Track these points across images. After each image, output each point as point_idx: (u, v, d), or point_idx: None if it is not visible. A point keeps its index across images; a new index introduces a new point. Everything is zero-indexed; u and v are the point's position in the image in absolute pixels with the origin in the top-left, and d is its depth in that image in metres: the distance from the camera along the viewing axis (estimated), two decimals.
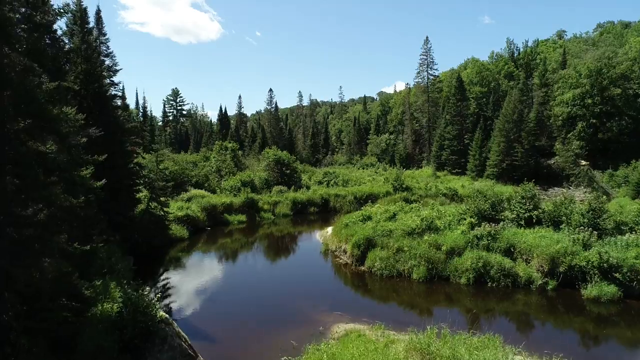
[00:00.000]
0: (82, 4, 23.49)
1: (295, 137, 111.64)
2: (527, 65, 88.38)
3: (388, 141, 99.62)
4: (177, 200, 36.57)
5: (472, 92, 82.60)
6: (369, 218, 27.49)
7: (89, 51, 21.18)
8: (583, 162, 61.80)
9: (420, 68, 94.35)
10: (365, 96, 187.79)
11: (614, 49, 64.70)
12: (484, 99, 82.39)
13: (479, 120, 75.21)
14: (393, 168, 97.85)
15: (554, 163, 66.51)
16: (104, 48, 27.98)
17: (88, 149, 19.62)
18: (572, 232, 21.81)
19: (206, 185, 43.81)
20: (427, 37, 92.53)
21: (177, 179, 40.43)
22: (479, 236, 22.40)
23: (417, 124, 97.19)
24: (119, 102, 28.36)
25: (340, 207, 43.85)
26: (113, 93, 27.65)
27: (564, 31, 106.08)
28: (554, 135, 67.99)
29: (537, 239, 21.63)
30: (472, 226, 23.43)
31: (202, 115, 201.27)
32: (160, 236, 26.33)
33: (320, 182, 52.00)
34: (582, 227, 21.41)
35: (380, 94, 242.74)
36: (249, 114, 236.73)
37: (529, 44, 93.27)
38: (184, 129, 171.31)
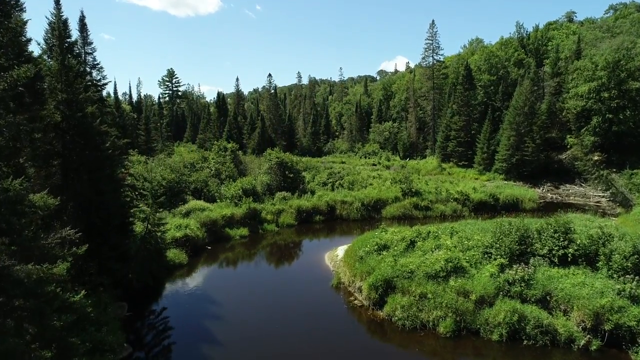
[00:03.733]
0: (62, 15, 20.54)
1: (295, 124, 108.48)
2: (537, 50, 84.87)
3: (391, 129, 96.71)
4: (174, 215, 34.19)
5: (480, 80, 79.37)
6: (385, 247, 25.23)
7: (69, 75, 18.38)
8: (596, 157, 59.38)
9: (426, 53, 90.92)
10: (366, 77, 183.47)
11: (633, 38, 61.31)
12: (492, 88, 79.24)
13: (487, 111, 72.40)
14: (396, 156, 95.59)
15: (565, 158, 64.07)
16: (90, 59, 25.12)
17: (70, 199, 17.05)
18: (614, 276, 19.73)
19: (205, 191, 41.30)
20: (432, 21, 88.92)
21: (174, 188, 37.90)
22: (510, 281, 20.23)
23: (421, 112, 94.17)
24: (109, 119, 25.65)
25: (347, 215, 41.56)
26: (102, 109, 24.96)
27: (574, 12, 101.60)
28: (567, 127, 65.20)
29: (576, 287, 19.47)
30: (501, 267, 21.21)
31: (198, 96, 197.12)
32: (156, 270, 23.96)
33: (324, 184, 49.53)
34: (627, 275, 19.22)
35: (381, 72, 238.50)
36: (246, 92, 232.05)
37: (540, 26, 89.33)
38: (181, 111, 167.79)
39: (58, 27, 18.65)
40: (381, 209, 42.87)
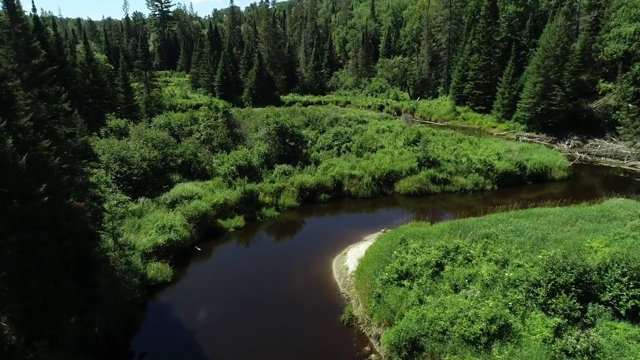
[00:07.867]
0: None
1: (295, 55, 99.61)
2: None
3: (401, 64, 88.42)
4: (158, 205, 29.55)
5: (504, 12, 70.14)
6: (407, 274, 20.93)
7: None
8: (631, 106, 53.10)
9: None
10: None
11: None
12: (518, 20, 70.21)
13: (511, 48, 64.42)
14: (405, 93, 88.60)
15: (596, 107, 57.60)
16: (22, 42, 18.87)
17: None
18: None
19: (194, 164, 36.18)
20: None
21: (156, 168, 32.80)
22: (569, 352, 16.11)
23: (434, 44, 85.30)
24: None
25: (355, 192, 36.72)
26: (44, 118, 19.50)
27: None
28: (601, 71, 57.84)
29: None
30: (557, 328, 16.99)
31: (191, 16, 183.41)
32: (128, 319, 19.74)
33: (330, 147, 44.21)
34: None
35: None
36: (243, 8, 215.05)
37: None
38: (173, 34, 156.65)
39: None
40: (394, 183, 38.05)
